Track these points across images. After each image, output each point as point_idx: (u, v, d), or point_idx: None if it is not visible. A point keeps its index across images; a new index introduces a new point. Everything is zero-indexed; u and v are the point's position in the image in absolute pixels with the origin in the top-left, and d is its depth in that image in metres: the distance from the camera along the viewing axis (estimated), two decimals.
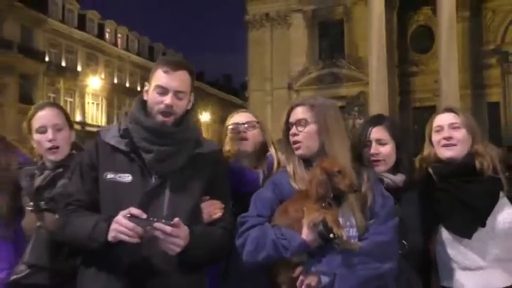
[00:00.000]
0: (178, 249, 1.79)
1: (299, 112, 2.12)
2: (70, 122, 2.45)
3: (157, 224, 1.73)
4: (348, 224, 1.97)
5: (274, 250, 1.95)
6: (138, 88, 38.94)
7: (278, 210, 2.06)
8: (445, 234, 2.27)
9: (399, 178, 2.35)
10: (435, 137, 2.38)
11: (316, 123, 2.08)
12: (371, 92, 21.13)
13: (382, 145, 2.37)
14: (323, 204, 1.93)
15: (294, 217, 1.98)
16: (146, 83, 2.06)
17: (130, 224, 1.75)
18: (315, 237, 1.92)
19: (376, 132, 2.39)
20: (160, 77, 1.97)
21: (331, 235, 1.87)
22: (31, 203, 2.26)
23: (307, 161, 2.10)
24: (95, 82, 34.83)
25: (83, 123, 34.05)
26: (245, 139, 2.51)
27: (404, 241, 2.17)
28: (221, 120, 41.82)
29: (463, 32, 21.85)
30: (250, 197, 2.19)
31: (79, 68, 35.91)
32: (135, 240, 1.76)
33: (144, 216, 1.77)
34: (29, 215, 2.28)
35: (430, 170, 2.37)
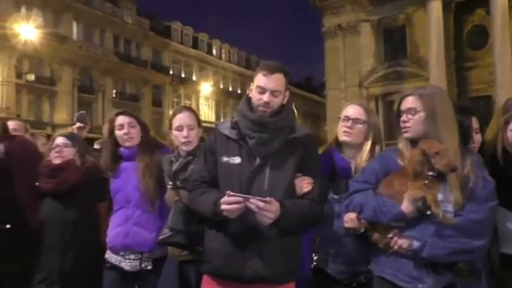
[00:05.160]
0: (269, 221, 1.77)
1: (410, 101, 1.93)
2: (199, 122, 2.49)
3: (252, 200, 1.74)
4: (446, 200, 1.80)
5: (373, 215, 1.88)
6: (238, 91, 39.74)
7: (385, 181, 1.93)
8: (502, 208, 2.05)
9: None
10: None
11: (424, 111, 1.89)
12: None
13: (476, 134, 2.20)
14: (426, 182, 1.79)
15: (397, 189, 1.86)
16: (251, 83, 2.04)
17: (233, 199, 1.76)
18: (412, 210, 1.80)
19: (474, 122, 2.21)
20: (259, 79, 1.97)
21: (428, 212, 1.76)
22: (170, 183, 2.33)
23: (414, 142, 1.93)
24: (206, 88, 36.39)
25: None
26: (349, 133, 2.26)
27: None
28: (304, 114, 41.66)
29: None
30: (342, 179, 2.16)
31: (194, 78, 37.45)
32: (237, 214, 1.80)
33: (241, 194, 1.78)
34: (169, 192, 2.37)
35: (500, 156, 2.15)
